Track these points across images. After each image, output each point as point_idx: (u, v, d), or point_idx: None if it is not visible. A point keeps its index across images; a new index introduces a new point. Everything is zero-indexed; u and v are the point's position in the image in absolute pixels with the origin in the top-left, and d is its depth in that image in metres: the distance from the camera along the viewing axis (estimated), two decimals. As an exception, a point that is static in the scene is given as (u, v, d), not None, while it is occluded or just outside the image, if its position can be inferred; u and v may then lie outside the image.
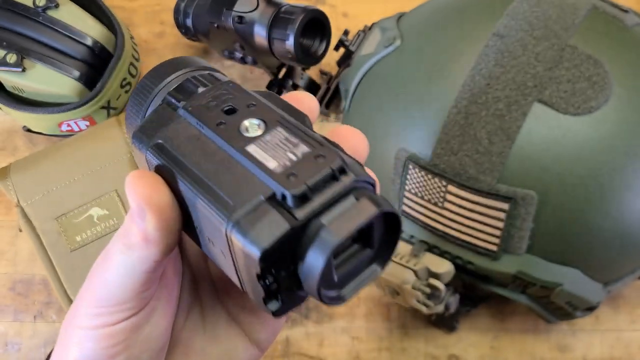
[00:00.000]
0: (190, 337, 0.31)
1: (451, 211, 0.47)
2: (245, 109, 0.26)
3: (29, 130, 0.67)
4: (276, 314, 0.25)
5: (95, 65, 0.64)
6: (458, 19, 0.51)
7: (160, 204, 0.25)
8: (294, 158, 0.24)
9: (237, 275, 0.25)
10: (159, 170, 0.26)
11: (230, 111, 0.26)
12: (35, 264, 0.64)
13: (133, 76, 0.67)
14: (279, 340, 0.61)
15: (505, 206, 0.45)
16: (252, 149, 0.25)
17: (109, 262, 0.26)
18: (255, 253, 0.22)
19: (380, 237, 0.25)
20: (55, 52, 0.62)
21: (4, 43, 0.62)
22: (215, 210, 0.23)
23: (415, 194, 0.49)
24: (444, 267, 0.48)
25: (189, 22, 0.65)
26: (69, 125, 0.64)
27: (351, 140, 0.27)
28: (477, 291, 0.57)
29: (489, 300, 0.60)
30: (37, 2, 0.62)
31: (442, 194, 0.47)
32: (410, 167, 0.48)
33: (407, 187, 0.49)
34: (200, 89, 0.28)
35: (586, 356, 0.60)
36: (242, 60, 0.63)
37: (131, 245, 0.25)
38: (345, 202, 0.24)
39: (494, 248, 0.47)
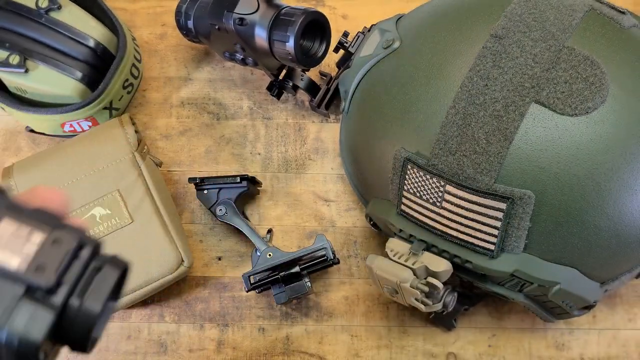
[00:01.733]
0: None
1: (449, 211, 0.48)
2: None
3: (32, 131, 0.67)
4: None
5: (98, 67, 0.64)
6: (456, 21, 0.52)
7: None
8: (34, 249, 0.26)
9: None
10: None
11: None
12: (38, 263, 0.64)
13: (135, 77, 0.67)
14: (279, 338, 0.62)
15: (503, 206, 0.45)
16: None
17: None
18: (30, 350, 0.24)
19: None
20: (57, 53, 0.63)
21: (7, 44, 0.62)
22: None
23: (414, 194, 0.49)
24: (442, 265, 0.48)
25: (190, 24, 0.65)
26: (71, 125, 0.65)
27: (51, 199, 0.29)
28: (475, 290, 0.58)
29: (487, 299, 0.60)
30: (39, 4, 0.63)
31: (440, 194, 0.48)
32: (409, 167, 0.49)
33: (405, 187, 0.50)
34: None
35: (583, 354, 0.60)
36: (243, 62, 0.64)
37: None
38: (91, 272, 0.27)
39: (492, 247, 0.47)
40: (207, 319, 0.63)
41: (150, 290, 0.58)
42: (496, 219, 0.46)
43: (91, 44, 0.64)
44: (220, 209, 0.62)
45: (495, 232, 0.47)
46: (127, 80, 0.66)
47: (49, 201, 0.29)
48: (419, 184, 0.49)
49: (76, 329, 0.26)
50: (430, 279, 0.49)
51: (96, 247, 0.27)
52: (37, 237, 0.26)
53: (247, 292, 0.59)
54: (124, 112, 0.68)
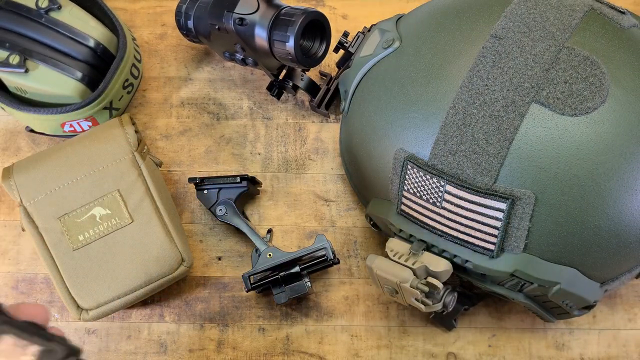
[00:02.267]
0: None
1: (449, 210, 0.48)
2: None
3: (32, 131, 0.67)
4: None
5: (98, 67, 0.64)
6: (456, 21, 0.52)
7: None
8: (32, 359, 0.31)
9: None
10: None
11: None
12: (38, 263, 0.65)
13: (135, 77, 0.67)
14: (279, 338, 0.62)
15: (503, 206, 0.46)
16: None
17: None
18: None
19: None
20: (57, 53, 0.63)
21: (7, 44, 0.62)
22: None
23: (414, 194, 0.49)
24: (442, 265, 0.48)
25: (190, 24, 0.65)
26: (71, 125, 0.65)
27: (35, 314, 0.34)
28: (475, 290, 0.58)
29: (487, 299, 0.60)
30: (39, 4, 0.63)
31: (440, 194, 0.48)
32: (409, 167, 0.49)
33: (405, 187, 0.50)
34: None
35: (583, 355, 0.60)
36: (243, 62, 0.64)
37: None
38: None
39: (492, 247, 0.47)
40: (207, 319, 0.63)
41: (150, 290, 0.58)
42: (496, 219, 0.46)
43: (91, 44, 0.64)
44: (220, 209, 0.62)
45: (495, 232, 0.47)
46: (127, 80, 0.66)
47: (33, 316, 0.34)
48: (419, 184, 0.49)
49: None
50: (430, 279, 0.49)
51: (77, 352, 0.33)
52: (33, 349, 0.31)
53: (247, 292, 0.60)
54: (124, 112, 0.68)
